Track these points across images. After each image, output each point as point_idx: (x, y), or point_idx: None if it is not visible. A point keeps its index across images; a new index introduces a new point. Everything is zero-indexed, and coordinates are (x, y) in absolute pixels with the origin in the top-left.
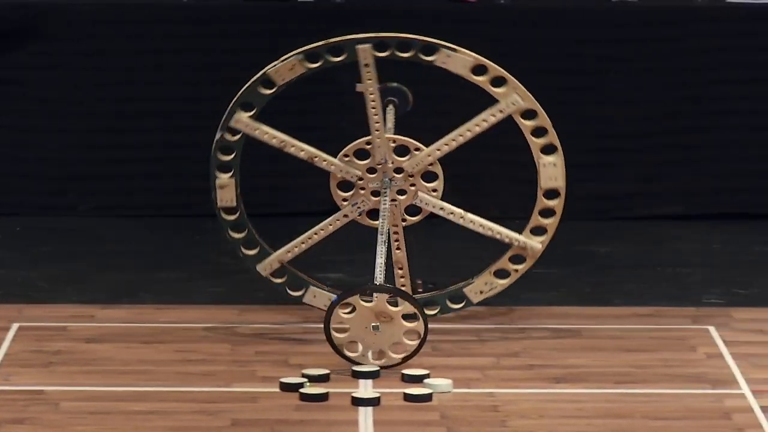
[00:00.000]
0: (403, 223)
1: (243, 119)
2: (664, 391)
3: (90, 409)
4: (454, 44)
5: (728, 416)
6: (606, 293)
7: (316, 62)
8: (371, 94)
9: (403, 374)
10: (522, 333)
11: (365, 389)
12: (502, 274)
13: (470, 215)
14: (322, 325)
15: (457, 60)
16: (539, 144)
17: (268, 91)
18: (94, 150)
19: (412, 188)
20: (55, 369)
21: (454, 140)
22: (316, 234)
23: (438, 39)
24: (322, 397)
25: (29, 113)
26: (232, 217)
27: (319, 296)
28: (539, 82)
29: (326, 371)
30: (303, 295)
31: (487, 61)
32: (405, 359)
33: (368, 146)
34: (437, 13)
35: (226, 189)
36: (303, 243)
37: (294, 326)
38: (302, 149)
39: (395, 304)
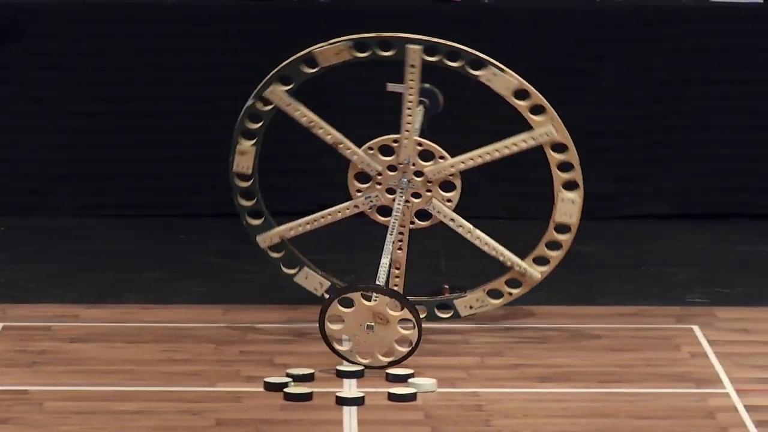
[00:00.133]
0: (411, 226)
1: (278, 91)
2: (648, 390)
3: (74, 409)
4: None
5: (712, 415)
6: (590, 293)
7: (364, 52)
8: (411, 95)
9: (387, 374)
10: (506, 332)
11: (350, 389)
12: (495, 294)
13: (478, 231)
14: (306, 325)
15: (503, 80)
16: (563, 179)
17: (310, 70)
18: (78, 150)
19: (428, 194)
20: (40, 369)
21: (480, 157)
22: (323, 218)
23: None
24: (307, 397)
25: (12, 113)
26: (245, 184)
27: (311, 278)
28: (530, 80)
29: (311, 371)
30: (296, 274)
31: (531, 87)
32: (391, 364)
33: (395, 144)
34: (426, 13)
35: (245, 156)
36: (308, 224)
37: (278, 326)
38: (329, 133)
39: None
